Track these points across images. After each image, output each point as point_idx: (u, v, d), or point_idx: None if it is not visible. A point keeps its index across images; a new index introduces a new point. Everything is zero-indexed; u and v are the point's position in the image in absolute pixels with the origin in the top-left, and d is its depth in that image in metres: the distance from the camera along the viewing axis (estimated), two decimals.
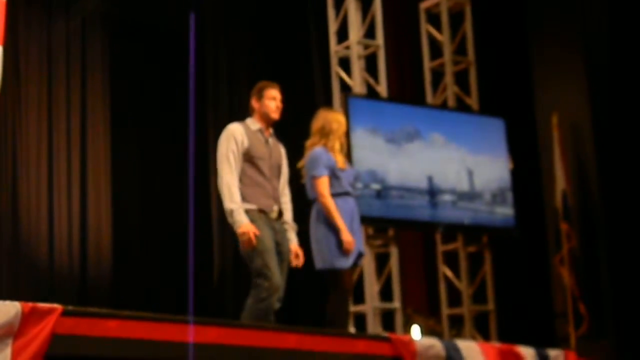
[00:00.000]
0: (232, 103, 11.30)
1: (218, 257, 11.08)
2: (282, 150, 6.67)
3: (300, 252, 6.54)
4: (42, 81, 11.17)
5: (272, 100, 6.48)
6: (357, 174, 7.23)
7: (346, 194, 6.86)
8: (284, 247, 6.42)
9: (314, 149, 6.88)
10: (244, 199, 6.27)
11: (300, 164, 6.97)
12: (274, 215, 6.38)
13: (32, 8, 11.22)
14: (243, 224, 6.14)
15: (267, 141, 6.48)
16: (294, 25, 11.60)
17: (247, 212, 6.21)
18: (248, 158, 6.34)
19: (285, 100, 6.63)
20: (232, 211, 6.19)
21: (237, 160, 6.31)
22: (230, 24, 11.80)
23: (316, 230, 6.81)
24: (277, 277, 6.18)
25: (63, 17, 11.46)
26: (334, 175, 6.81)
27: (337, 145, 6.89)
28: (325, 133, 6.90)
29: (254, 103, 6.52)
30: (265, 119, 6.48)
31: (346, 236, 6.64)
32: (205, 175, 11.56)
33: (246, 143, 6.34)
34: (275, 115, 6.48)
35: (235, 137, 6.34)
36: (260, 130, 6.46)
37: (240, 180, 6.31)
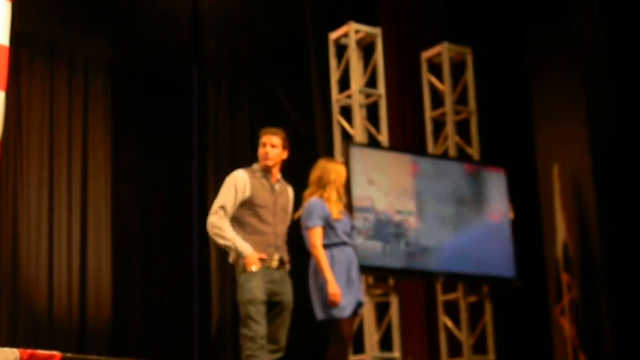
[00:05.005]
0: (234, 152, 11.32)
1: (217, 309, 11.04)
2: (290, 194, 6.63)
3: None
4: (44, 127, 11.24)
5: (262, 147, 6.45)
6: (354, 224, 7.20)
7: (343, 243, 6.85)
8: (285, 296, 6.35)
9: (310, 200, 6.89)
10: None
11: (297, 214, 6.96)
12: (275, 264, 6.32)
13: (35, 53, 11.31)
14: (249, 253, 6.14)
15: (272, 187, 6.45)
16: (295, 73, 11.66)
17: None
18: (250, 206, 6.31)
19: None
20: (233, 246, 6.16)
21: (233, 207, 6.27)
22: (231, 73, 11.87)
23: (314, 281, 6.81)
24: (261, 328, 6.10)
25: (65, 62, 11.56)
26: (328, 226, 6.81)
27: (333, 196, 6.88)
28: (322, 184, 6.91)
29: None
30: (262, 164, 6.46)
31: (332, 288, 6.60)
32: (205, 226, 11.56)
33: (248, 192, 6.32)
34: (263, 162, 6.44)
35: (236, 185, 6.31)
36: (265, 177, 6.44)
37: (242, 228, 6.28)
